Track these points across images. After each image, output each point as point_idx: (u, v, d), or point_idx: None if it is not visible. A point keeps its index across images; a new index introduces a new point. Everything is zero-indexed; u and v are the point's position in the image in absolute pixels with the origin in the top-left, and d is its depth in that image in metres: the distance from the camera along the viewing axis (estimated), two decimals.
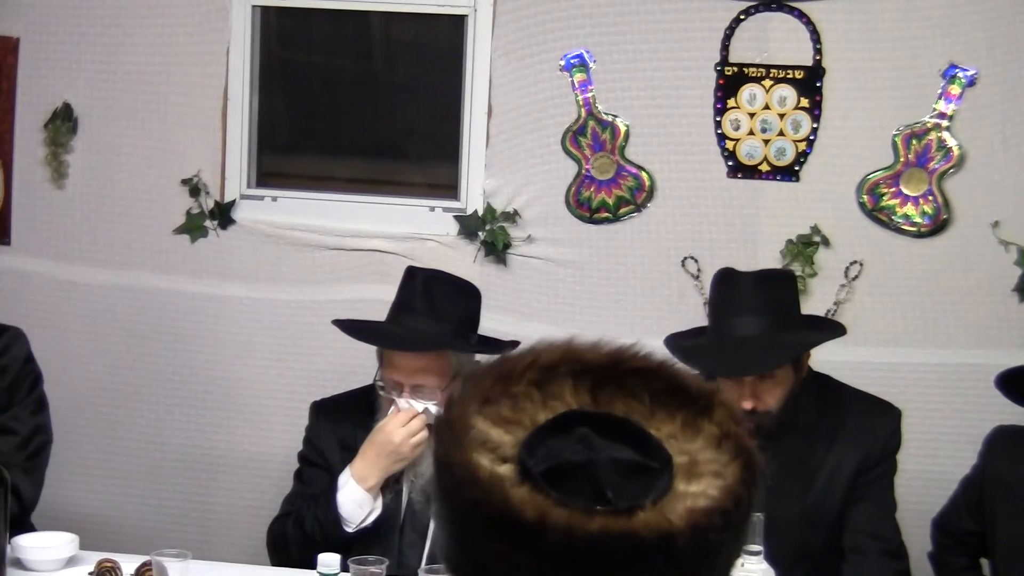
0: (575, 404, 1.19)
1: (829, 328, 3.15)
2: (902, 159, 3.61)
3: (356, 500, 2.97)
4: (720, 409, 1.18)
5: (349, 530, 2.98)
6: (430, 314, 3.05)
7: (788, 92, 3.66)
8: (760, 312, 2.93)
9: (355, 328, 3.17)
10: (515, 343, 3.06)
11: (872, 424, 3.02)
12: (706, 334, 3.07)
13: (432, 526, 2.97)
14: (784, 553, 2.78)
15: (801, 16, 3.62)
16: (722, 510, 1.12)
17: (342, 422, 3.14)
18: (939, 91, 3.58)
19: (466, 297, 3.15)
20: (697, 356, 2.96)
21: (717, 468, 1.15)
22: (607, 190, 3.74)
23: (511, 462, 1.14)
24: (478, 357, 3.05)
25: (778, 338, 2.94)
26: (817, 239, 3.64)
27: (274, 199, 3.94)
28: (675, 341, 3.08)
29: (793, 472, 2.95)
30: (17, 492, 2.99)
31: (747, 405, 2.89)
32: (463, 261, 3.71)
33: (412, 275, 3.15)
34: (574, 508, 1.11)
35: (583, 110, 3.72)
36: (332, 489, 3.01)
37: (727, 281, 3.02)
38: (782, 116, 3.67)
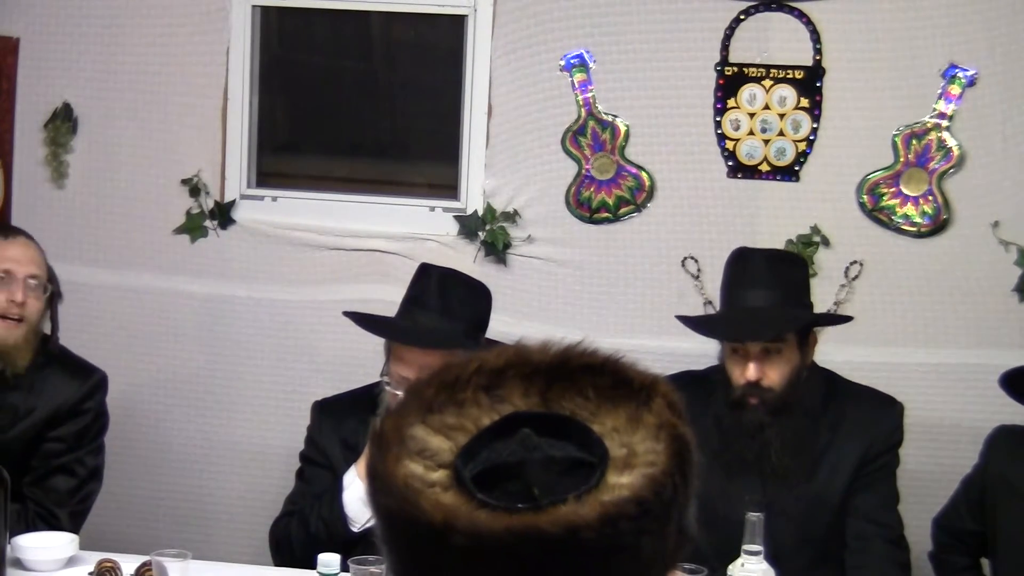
0: (524, 406, 1.19)
1: (836, 318, 3.24)
2: (902, 159, 3.61)
3: (362, 499, 2.96)
4: (658, 399, 1.19)
5: (355, 529, 2.98)
6: (443, 312, 3.04)
7: (788, 92, 3.66)
8: (771, 287, 3.00)
9: (367, 320, 3.16)
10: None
11: (875, 416, 3.07)
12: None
13: None
14: (789, 538, 2.81)
15: (801, 16, 3.62)
16: (638, 499, 1.11)
17: (344, 421, 3.14)
18: (939, 91, 3.58)
19: (479, 298, 3.14)
20: (708, 325, 3.11)
21: (652, 458, 1.15)
22: (607, 190, 3.74)
23: (446, 468, 1.15)
24: None
25: (787, 311, 3.00)
26: (817, 239, 3.64)
27: (274, 199, 3.94)
28: (687, 317, 3.18)
29: (797, 452, 2.99)
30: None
31: (752, 376, 2.95)
32: (463, 261, 3.71)
33: (426, 272, 3.14)
34: (485, 509, 1.11)
35: (583, 110, 3.72)
36: (337, 489, 3.00)
37: (741, 258, 3.10)
38: (782, 116, 3.67)
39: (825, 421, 3.04)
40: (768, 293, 2.99)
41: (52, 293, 3.19)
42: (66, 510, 3.10)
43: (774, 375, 2.97)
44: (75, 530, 3.09)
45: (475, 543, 1.10)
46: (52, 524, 3.05)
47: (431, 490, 1.14)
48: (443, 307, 3.05)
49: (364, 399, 3.14)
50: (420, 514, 1.12)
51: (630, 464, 1.14)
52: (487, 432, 1.17)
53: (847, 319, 3.28)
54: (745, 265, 3.06)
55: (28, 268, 3.12)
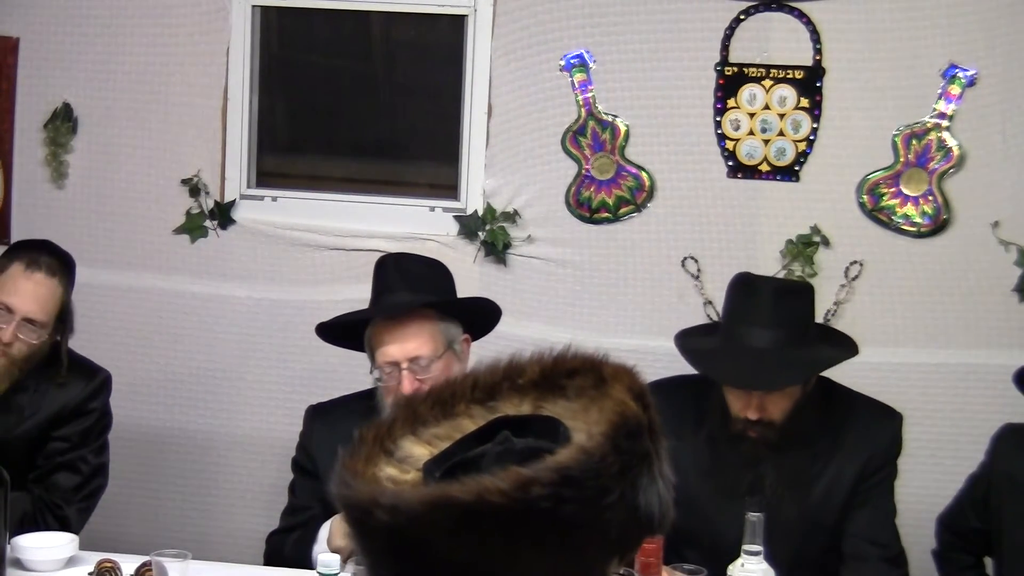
0: (515, 414, 1.25)
1: (842, 345, 3.07)
2: (902, 159, 3.61)
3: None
4: (618, 385, 1.23)
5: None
6: (409, 288, 3.01)
7: (788, 92, 3.66)
8: (776, 325, 2.89)
9: (337, 325, 3.11)
10: (487, 300, 3.13)
11: (874, 430, 3.01)
12: (717, 333, 3.04)
13: None
14: (783, 558, 2.78)
15: (801, 16, 3.63)
16: (557, 468, 1.13)
17: (339, 425, 3.02)
18: (939, 91, 3.58)
19: (440, 272, 3.12)
20: (709, 362, 2.96)
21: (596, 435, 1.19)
22: (607, 190, 3.74)
23: (420, 470, 1.21)
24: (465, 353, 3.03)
25: (792, 354, 2.90)
26: (817, 239, 3.64)
27: (274, 199, 3.94)
28: (685, 341, 3.05)
29: (792, 481, 2.94)
30: (68, 528, 3.06)
31: (753, 416, 2.89)
32: (463, 261, 3.71)
33: (382, 262, 3.13)
34: (417, 488, 1.16)
35: (583, 110, 3.72)
36: (311, 540, 2.94)
37: (745, 288, 2.98)
38: (782, 116, 3.67)
39: (822, 444, 2.97)
40: (773, 333, 2.87)
41: (58, 338, 3.16)
42: (72, 506, 3.12)
43: (774, 411, 2.89)
44: (80, 525, 3.12)
45: (394, 518, 1.13)
46: (58, 517, 3.08)
47: (395, 487, 1.18)
48: (407, 285, 3.02)
49: (363, 403, 3.08)
50: (353, 495, 1.17)
51: (576, 445, 1.18)
52: (469, 437, 1.21)
53: (853, 353, 3.03)
54: (750, 298, 2.94)
55: (29, 309, 3.07)
